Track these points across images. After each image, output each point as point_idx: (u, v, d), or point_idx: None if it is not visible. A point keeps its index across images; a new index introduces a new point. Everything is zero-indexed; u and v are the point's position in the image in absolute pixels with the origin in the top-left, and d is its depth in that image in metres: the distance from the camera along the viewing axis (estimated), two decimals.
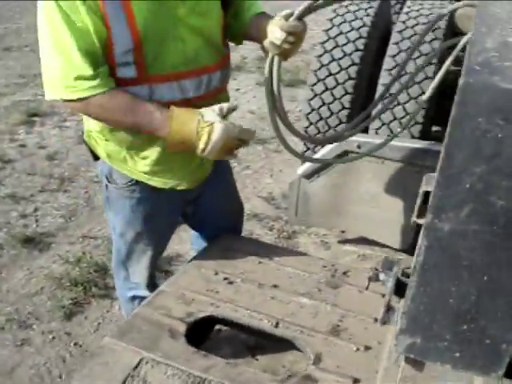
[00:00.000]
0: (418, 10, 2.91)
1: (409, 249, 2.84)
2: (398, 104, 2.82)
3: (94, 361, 1.61)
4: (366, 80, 3.00)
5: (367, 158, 2.60)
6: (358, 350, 1.72)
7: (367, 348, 1.73)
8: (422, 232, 1.15)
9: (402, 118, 2.83)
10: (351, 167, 2.76)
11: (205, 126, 1.59)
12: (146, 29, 1.57)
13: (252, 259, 2.12)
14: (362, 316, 1.87)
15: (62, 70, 1.55)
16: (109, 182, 1.92)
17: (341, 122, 2.97)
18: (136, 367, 1.59)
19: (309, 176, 2.93)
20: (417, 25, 2.85)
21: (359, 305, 1.94)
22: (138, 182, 1.87)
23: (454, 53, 2.02)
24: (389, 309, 1.35)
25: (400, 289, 1.62)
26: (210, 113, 1.62)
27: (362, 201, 2.88)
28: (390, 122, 2.86)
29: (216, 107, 1.65)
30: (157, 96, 1.67)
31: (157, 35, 1.60)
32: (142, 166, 1.83)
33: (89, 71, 1.55)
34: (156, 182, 1.86)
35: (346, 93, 2.94)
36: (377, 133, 2.89)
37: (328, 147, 2.76)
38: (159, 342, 1.67)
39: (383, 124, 2.87)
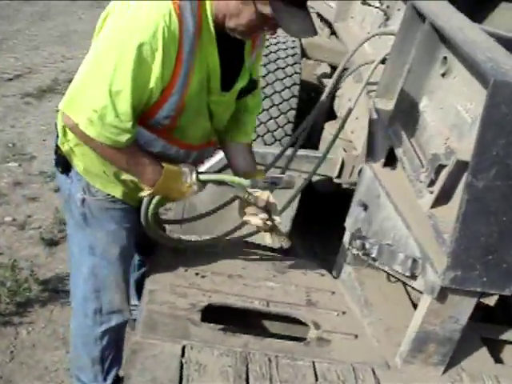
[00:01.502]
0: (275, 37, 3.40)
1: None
2: (271, 118, 3.26)
3: (139, 356, 1.59)
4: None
5: None
6: (338, 314, 2.04)
7: (343, 312, 2.05)
8: (462, 189, 1.56)
9: (275, 130, 3.27)
10: None
11: (190, 184, 1.77)
12: (190, 101, 1.65)
13: (204, 254, 2.24)
14: (321, 290, 2.18)
15: (101, 107, 1.49)
16: (86, 194, 1.83)
17: (286, 135, 3.29)
18: (183, 354, 1.63)
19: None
20: (278, 50, 3.35)
21: (312, 282, 2.26)
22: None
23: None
24: None
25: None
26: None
27: None
28: (264, 134, 3.27)
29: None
30: (162, 150, 1.75)
31: (194, 110, 1.69)
32: (120, 186, 1.83)
33: (127, 125, 1.54)
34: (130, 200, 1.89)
35: (291, 108, 3.27)
36: None
37: (214, 159, 3.00)
38: (188, 330, 1.73)
39: (258, 136, 3.26)
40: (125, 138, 1.56)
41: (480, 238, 1.58)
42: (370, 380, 1.71)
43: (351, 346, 1.86)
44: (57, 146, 1.83)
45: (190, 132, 1.77)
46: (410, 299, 2.15)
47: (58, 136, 1.81)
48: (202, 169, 2.98)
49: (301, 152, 2.73)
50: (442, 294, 1.66)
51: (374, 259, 2.02)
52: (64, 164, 1.83)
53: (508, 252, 1.59)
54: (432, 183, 1.73)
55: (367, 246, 1.97)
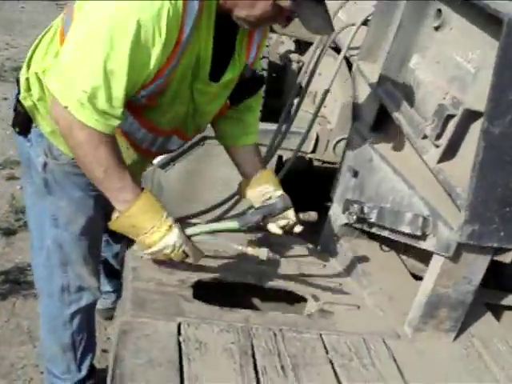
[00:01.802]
0: None
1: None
2: None
3: (131, 336, 1.40)
4: None
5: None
6: (335, 286, 1.90)
7: (340, 284, 1.92)
8: (478, 137, 1.46)
9: None
10: (208, 152, 2.88)
11: (163, 226, 1.48)
12: (172, 84, 1.49)
13: None
14: (312, 263, 2.04)
15: (93, 86, 1.30)
16: (48, 157, 1.62)
17: None
18: (179, 333, 1.46)
19: (164, 166, 2.93)
20: None
21: (302, 256, 2.12)
22: None
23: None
24: None
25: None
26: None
27: (215, 186, 3.01)
28: None
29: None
30: (129, 129, 1.59)
31: (173, 93, 1.52)
32: None
33: (117, 111, 1.36)
34: None
35: None
36: None
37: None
38: (181, 307, 1.56)
39: None
40: (115, 123, 1.38)
41: (497, 188, 1.48)
42: (382, 350, 1.59)
43: (355, 317, 1.73)
44: (17, 101, 1.62)
45: (162, 114, 1.59)
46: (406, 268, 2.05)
47: (18, 92, 1.60)
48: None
49: (269, 126, 2.60)
50: (456, 253, 1.55)
51: (372, 225, 1.91)
52: (23, 123, 1.63)
53: None
54: (439, 137, 1.62)
55: (366, 210, 1.85)
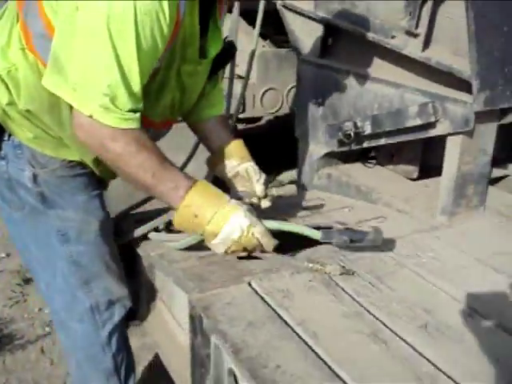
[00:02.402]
0: None
1: None
2: None
3: (215, 309, 1.26)
4: None
5: None
6: (349, 210, 1.89)
7: (352, 207, 1.91)
8: (466, 9, 1.50)
9: None
10: None
11: (226, 208, 1.30)
12: (161, 73, 1.36)
13: None
14: (311, 200, 2.01)
15: (114, 88, 1.18)
16: (36, 168, 1.40)
17: None
18: (255, 290, 1.35)
19: None
20: None
21: (297, 198, 2.09)
22: None
23: None
24: None
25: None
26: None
27: None
28: None
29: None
30: None
31: (159, 81, 1.38)
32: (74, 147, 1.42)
33: (140, 104, 1.24)
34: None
35: None
36: None
37: None
38: (239, 267, 1.45)
39: None
40: (138, 115, 1.25)
41: (494, 52, 1.54)
42: (433, 243, 1.60)
43: (388, 227, 1.72)
44: None
45: (151, 106, 1.41)
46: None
47: None
48: None
49: None
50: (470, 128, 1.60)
51: (364, 139, 1.91)
52: None
53: None
54: (417, 26, 1.65)
55: (359, 123, 1.84)
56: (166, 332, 1.65)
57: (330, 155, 2.13)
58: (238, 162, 1.63)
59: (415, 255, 1.53)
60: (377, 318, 1.24)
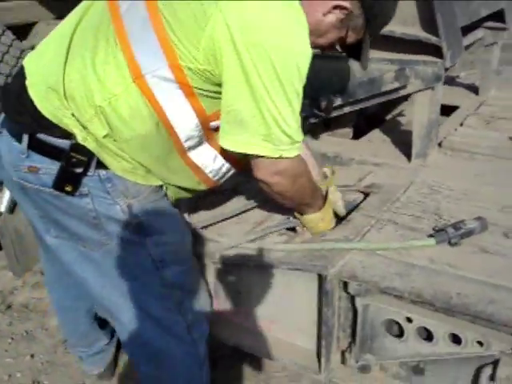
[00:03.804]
0: None
1: None
2: None
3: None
4: None
5: None
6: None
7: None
8: None
9: None
10: None
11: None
12: None
13: None
14: None
15: (291, 123, 1.26)
16: (129, 198, 1.34)
17: None
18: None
19: (12, 210, 2.40)
20: None
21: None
22: None
23: None
24: None
25: None
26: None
27: None
28: None
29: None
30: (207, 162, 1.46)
31: None
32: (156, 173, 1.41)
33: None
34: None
35: None
36: None
37: None
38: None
39: None
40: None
41: (452, 23, 1.91)
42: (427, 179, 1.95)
43: (384, 178, 2.00)
44: (68, 153, 1.26)
45: None
46: None
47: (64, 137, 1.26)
48: None
49: None
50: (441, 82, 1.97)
51: (336, 108, 2.11)
52: (76, 177, 1.28)
53: None
54: None
55: (331, 97, 2.05)
56: None
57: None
58: None
59: (432, 191, 1.86)
60: None
